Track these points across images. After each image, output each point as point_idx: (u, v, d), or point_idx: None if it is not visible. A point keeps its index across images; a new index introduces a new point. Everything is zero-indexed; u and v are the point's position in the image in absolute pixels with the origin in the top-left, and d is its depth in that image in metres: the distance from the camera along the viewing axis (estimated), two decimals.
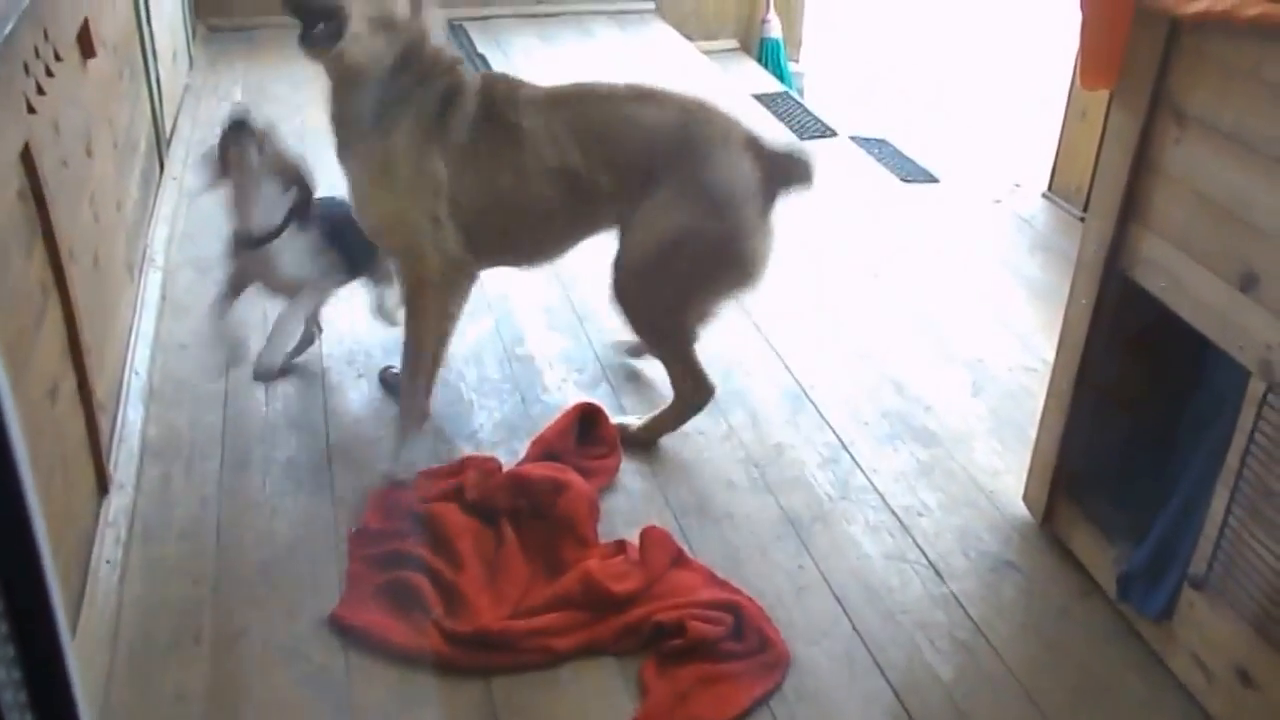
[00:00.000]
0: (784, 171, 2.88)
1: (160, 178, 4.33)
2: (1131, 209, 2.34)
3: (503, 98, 2.82)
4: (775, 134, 3.02)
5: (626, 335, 3.24)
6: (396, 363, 3.16)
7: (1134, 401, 2.51)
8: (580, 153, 2.78)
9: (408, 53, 2.72)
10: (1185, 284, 2.20)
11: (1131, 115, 2.30)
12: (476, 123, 2.78)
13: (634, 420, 3.08)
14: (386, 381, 3.25)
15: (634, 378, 3.36)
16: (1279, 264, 1.96)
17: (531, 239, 2.98)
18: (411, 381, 2.97)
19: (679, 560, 2.60)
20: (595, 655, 2.38)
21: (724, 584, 2.55)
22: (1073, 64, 4.20)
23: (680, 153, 2.79)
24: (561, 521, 2.66)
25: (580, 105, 2.85)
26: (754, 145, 2.87)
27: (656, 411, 3.07)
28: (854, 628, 2.48)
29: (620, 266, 2.86)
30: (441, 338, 2.96)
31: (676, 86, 2.98)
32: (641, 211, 2.80)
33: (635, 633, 2.40)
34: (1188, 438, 2.35)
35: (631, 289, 2.87)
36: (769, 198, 2.87)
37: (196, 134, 4.96)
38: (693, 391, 3.00)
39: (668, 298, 2.88)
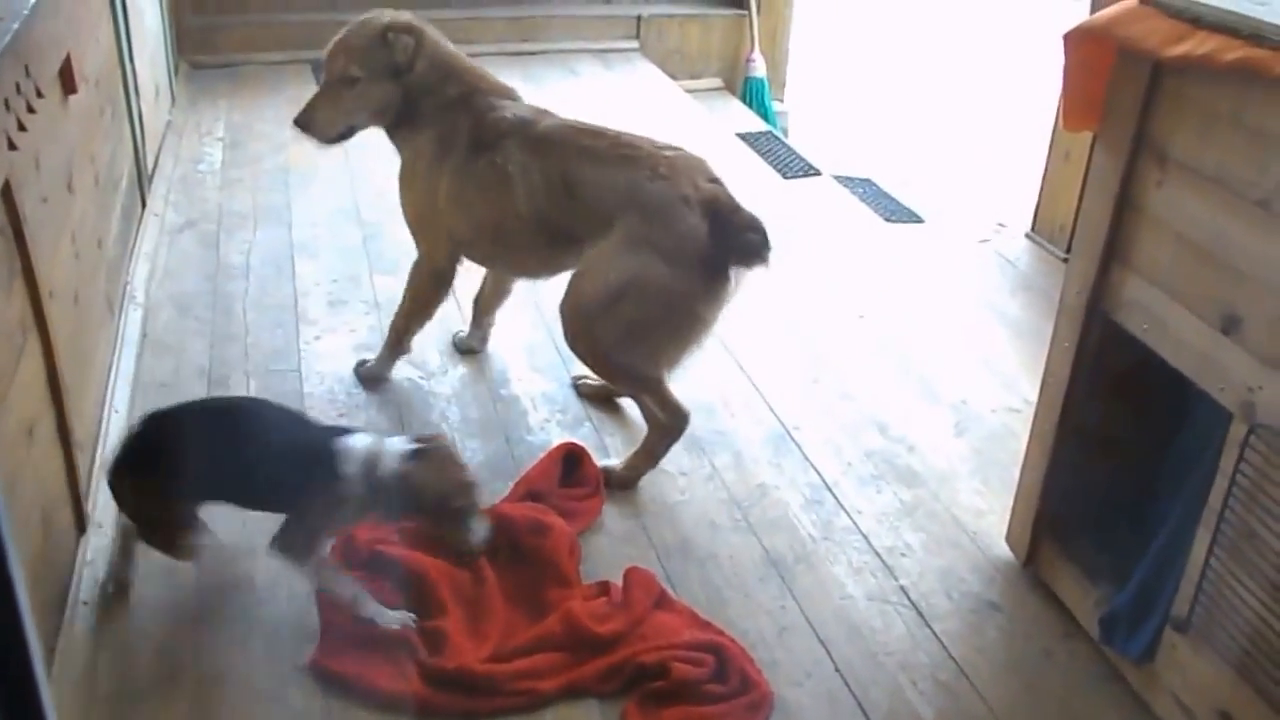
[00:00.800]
0: (739, 244, 2.88)
1: (141, 214, 4.32)
2: (1114, 251, 2.35)
3: (500, 135, 3.11)
4: (747, 202, 2.96)
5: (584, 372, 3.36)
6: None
7: (1117, 443, 2.51)
8: (550, 202, 3.02)
9: (426, 86, 3.18)
10: (1167, 326, 2.21)
11: (1114, 157, 2.31)
12: (473, 158, 3.11)
13: (615, 463, 3.08)
14: (359, 374, 3.45)
15: (617, 418, 3.35)
16: (1260, 306, 1.96)
17: (513, 263, 3.35)
18: (389, 349, 3.44)
19: (662, 601, 2.59)
20: (578, 697, 2.36)
21: (707, 625, 2.54)
22: (1056, 105, 4.23)
23: (633, 207, 2.89)
24: (543, 562, 2.64)
25: (559, 156, 3.03)
26: (715, 211, 2.89)
27: (635, 449, 3.08)
28: (837, 668, 2.47)
29: (564, 309, 2.99)
30: (417, 320, 3.41)
31: (665, 134, 3.03)
32: (589, 257, 2.95)
33: (618, 674, 2.38)
34: (1170, 480, 2.34)
35: (577, 330, 2.98)
36: (719, 264, 2.88)
37: (178, 170, 4.96)
38: (668, 421, 3.03)
39: (613, 341, 2.94)
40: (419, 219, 3.29)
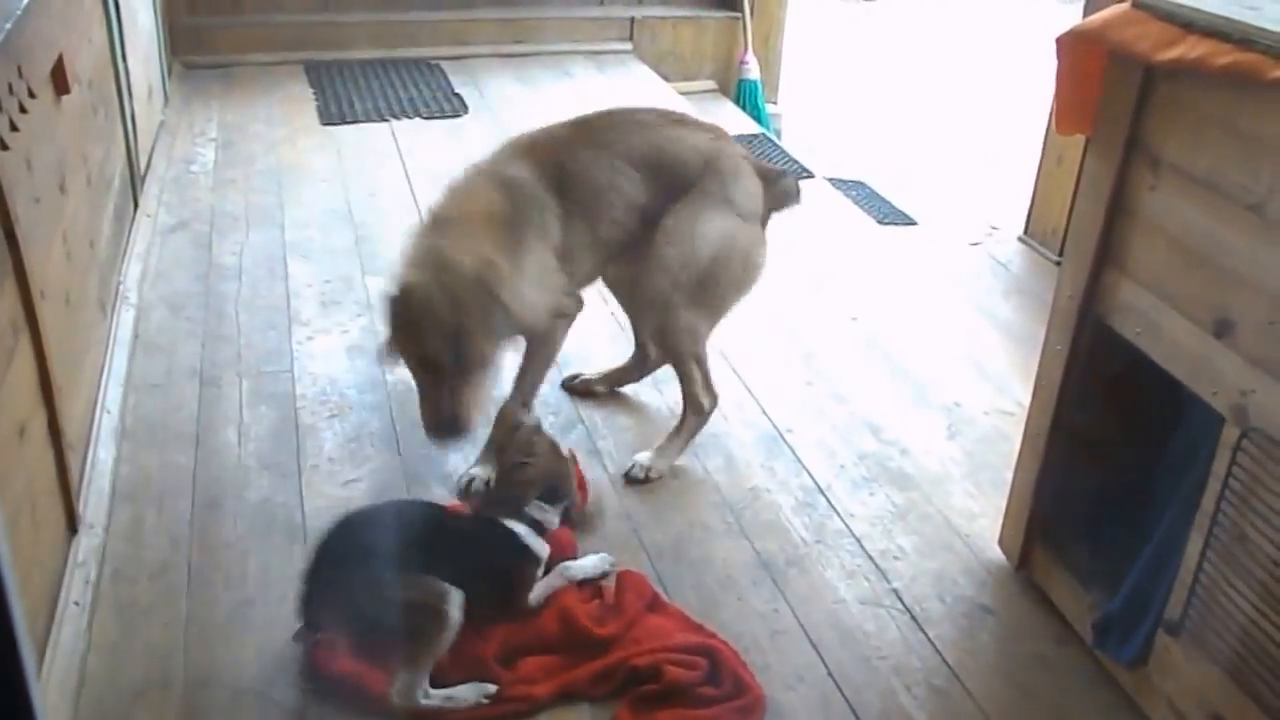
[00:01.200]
0: (779, 193, 3.15)
1: (134, 214, 4.31)
2: (1107, 255, 2.35)
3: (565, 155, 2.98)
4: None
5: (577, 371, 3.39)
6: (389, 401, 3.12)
7: (1109, 447, 2.51)
8: (644, 186, 3.01)
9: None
10: (1160, 329, 2.21)
11: (1107, 161, 2.31)
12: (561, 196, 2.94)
13: (644, 456, 3.11)
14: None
15: (610, 421, 3.35)
16: (1253, 310, 1.97)
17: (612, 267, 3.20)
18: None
19: (654, 604, 2.59)
20: (571, 702, 2.36)
21: (699, 628, 2.53)
22: (1049, 109, 4.23)
23: (710, 169, 3.02)
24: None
25: (638, 136, 3.05)
26: (759, 168, 3.14)
27: (664, 440, 3.15)
28: (829, 672, 2.47)
29: (651, 279, 3.00)
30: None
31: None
32: (668, 226, 2.98)
33: (610, 677, 2.38)
34: (1164, 484, 2.35)
35: (675, 299, 2.98)
36: (767, 215, 3.15)
37: (171, 171, 4.95)
38: (708, 400, 3.13)
39: (706, 303, 3.04)
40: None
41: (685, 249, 2.97)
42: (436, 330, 2.64)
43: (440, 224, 2.82)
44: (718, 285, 3.02)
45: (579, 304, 3.15)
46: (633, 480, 3.06)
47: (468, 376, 2.70)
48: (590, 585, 2.64)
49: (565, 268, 2.95)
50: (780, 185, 3.16)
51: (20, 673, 0.86)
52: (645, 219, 3.00)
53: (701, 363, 3.11)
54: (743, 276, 3.08)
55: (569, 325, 3.14)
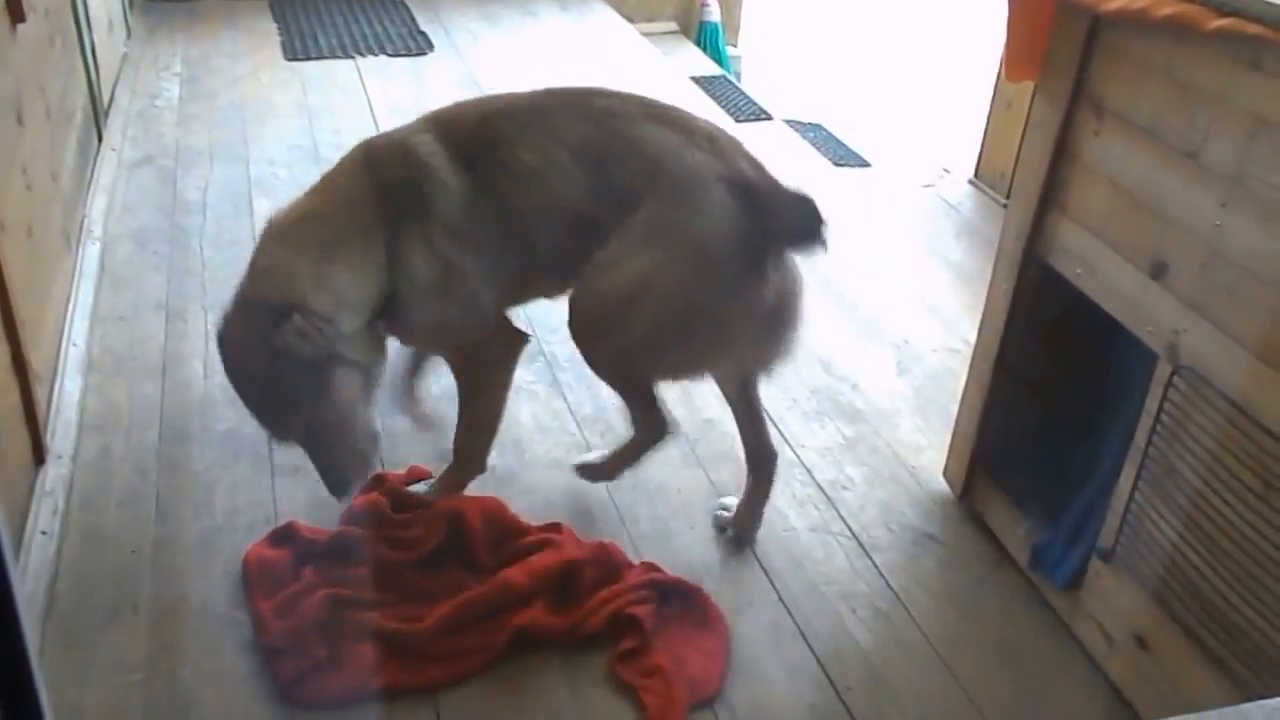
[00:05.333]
0: (782, 223, 2.39)
1: (99, 149, 4.31)
2: (1051, 198, 2.43)
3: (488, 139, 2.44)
4: (780, 176, 2.47)
5: None
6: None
7: (1050, 383, 2.60)
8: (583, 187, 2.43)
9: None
10: (1100, 270, 2.29)
11: (1053, 107, 2.38)
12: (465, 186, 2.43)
13: (594, 456, 2.86)
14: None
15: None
16: (1187, 253, 2.05)
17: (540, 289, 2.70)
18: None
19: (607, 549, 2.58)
20: (546, 672, 2.35)
21: (652, 566, 2.57)
22: (999, 56, 4.30)
23: (661, 184, 2.38)
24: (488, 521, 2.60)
25: (591, 121, 2.46)
26: (749, 190, 2.39)
27: (616, 448, 2.78)
28: (779, 597, 2.56)
29: (572, 308, 2.48)
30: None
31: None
32: (609, 247, 2.40)
33: (589, 619, 2.41)
34: (1100, 419, 2.45)
35: (585, 337, 2.49)
36: (759, 254, 2.39)
37: (135, 105, 4.94)
38: (648, 433, 2.65)
39: (624, 347, 2.46)
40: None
41: (608, 281, 2.39)
42: (257, 389, 2.40)
43: (278, 233, 2.44)
44: (655, 333, 2.41)
45: (513, 336, 2.61)
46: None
47: (322, 435, 2.40)
48: (548, 525, 2.63)
49: (475, 268, 2.42)
50: (787, 218, 2.38)
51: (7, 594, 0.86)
52: (582, 233, 2.41)
53: (640, 397, 2.59)
54: (688, 328, 2.40)
55: (509, 367, 2.65)
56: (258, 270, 2.41)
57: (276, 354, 2.27)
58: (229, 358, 2.42)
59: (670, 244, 2.36)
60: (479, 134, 2.44)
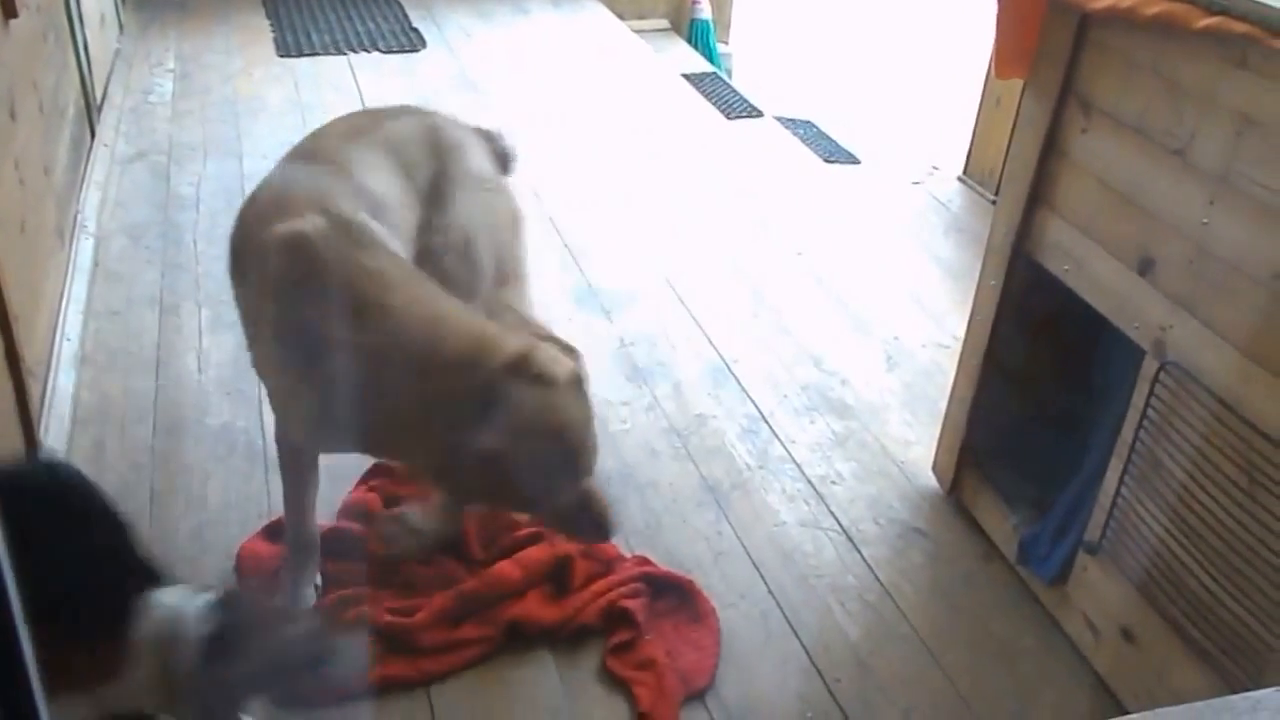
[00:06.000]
0: (499, 152, 2.64)
1: (91, 144, 4.32)
2: (1039, 194, 2.45)
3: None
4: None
5: None
6: None
7: (1038, 379, 2.63)
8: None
9: None
10: (1087, 267, 2.31)
11: (1042, 104, 2.40)
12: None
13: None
14: None
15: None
16: (1173, 249, 2.07)
17: None
18: None
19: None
20: (539, 665, 2.38)
21: (644, 560, 2.60)
22: (989, 54, 4.32)
23: (442, 154, 2.51)
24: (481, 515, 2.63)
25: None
26: (474, 129, 2.64)
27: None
28: (769, 590, 2.58)
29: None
30: None
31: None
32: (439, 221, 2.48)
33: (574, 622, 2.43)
34: (1087, 414, 2.47)
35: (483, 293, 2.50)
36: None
37: (128, 101, 4.94)
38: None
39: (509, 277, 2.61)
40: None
41: (457, 244, 2.44)
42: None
43: None
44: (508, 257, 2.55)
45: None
46: None
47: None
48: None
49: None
50: (498, 146, 2.64)
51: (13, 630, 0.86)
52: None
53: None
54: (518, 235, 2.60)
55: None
56: None
57: None
58: None
59: (479, 179, 2.51)
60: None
